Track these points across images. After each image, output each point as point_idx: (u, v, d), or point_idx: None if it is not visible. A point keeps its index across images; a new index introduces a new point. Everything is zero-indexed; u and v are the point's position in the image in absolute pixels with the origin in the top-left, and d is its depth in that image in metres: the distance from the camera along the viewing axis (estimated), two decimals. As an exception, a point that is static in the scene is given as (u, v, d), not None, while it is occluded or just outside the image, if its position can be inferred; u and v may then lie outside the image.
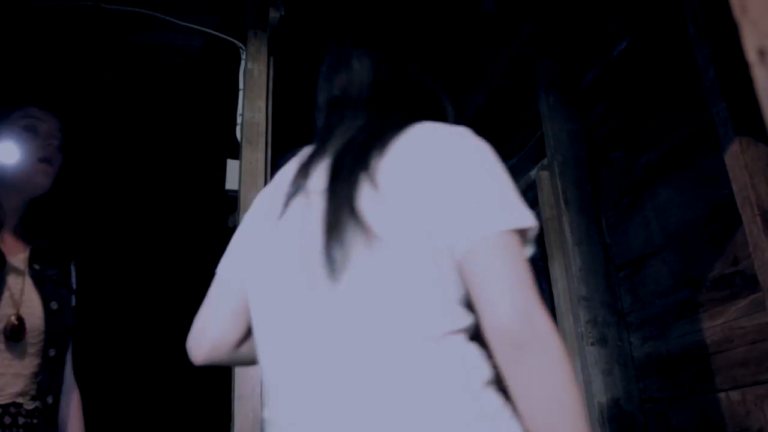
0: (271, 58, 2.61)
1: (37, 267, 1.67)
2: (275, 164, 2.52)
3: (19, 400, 1.53)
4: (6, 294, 1.55)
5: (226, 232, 2.58)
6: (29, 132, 1.67)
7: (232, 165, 2.46)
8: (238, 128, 2.49)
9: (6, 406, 1.49)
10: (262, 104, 2.50)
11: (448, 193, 0.93)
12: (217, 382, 2.67)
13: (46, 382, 1.61)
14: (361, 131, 1.07)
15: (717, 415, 2.01)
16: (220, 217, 2.67)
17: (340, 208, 0.95)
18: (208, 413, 3.32)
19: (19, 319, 1.53)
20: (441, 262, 0.92)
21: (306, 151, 1.14)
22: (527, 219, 0.93)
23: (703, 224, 2.08)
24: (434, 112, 1.18)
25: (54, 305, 1.64)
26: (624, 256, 2.51)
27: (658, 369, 2.29)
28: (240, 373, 2.11)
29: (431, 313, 0.90)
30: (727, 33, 1.87)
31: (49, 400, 1.61)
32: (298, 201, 1.04)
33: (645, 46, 2.39)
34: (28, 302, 1.59)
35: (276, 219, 1.06)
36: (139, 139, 3.75)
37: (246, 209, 2.30)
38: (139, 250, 4.86)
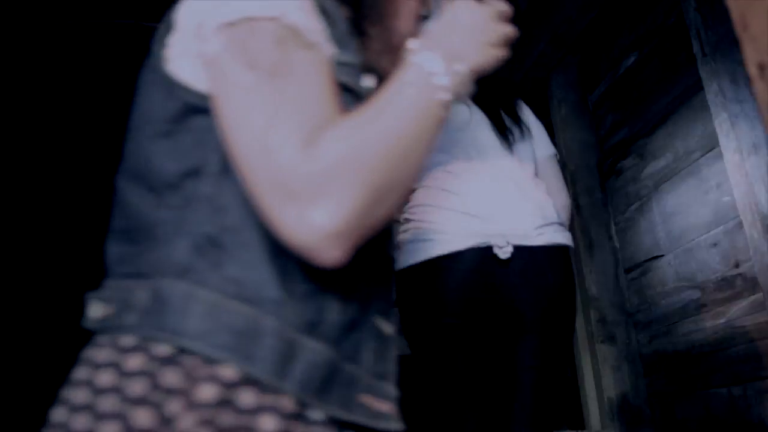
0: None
1: None
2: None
3: None
4: None
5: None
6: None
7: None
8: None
9: None
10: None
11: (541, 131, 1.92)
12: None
13: None
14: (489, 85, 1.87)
15: (720, 409, 2.00)
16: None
17: (507, 116, 1.84)
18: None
19: None
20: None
21: None
22: None
23: (706, 229, 2.07)
24: None
25: None
26: (632, 259, 2.51)
27: (664, 366, 2.29)
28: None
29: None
30: (728, 49, 1.86)
31: None
32: (460, 107, 1.77)
33: (652, 61, 2.39)
34: None
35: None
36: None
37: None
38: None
